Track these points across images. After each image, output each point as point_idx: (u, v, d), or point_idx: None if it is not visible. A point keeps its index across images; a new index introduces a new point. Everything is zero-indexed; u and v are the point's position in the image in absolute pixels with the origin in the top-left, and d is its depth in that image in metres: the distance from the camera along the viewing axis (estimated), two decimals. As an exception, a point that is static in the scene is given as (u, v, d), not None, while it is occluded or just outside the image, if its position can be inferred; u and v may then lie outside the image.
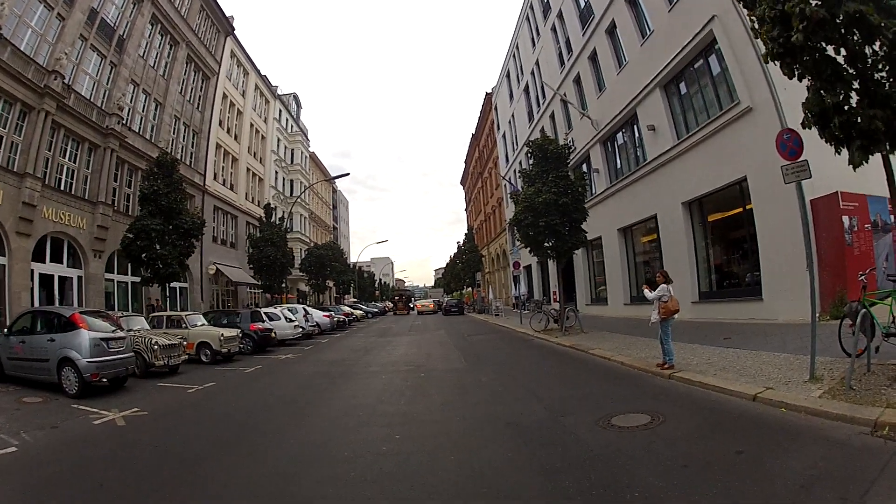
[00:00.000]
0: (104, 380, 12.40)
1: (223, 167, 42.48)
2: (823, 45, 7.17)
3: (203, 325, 20.00)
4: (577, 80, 30.90)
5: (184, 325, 19.19)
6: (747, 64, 16.30)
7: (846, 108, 7.29)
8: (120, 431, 9.05)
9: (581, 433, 7.14)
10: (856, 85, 7.19)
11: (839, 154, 7.79)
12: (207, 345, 18.59)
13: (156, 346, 15.04)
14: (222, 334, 18.71)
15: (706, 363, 10.92)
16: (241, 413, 10.43)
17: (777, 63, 7.69)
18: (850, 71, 7.19)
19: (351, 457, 6.82)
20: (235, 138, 45.14)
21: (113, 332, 13.13)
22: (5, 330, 14.34)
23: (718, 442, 6.38)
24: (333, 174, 71.94)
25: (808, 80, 7.61)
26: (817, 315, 8.86)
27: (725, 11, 16.96)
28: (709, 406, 8.07)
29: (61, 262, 23.76)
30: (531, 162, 22.31)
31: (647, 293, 11.25)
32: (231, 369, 16.99)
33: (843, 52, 7.18)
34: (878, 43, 6.91)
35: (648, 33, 22.42)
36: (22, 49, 21.05)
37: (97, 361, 12.04)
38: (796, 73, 7.59)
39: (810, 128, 7.80)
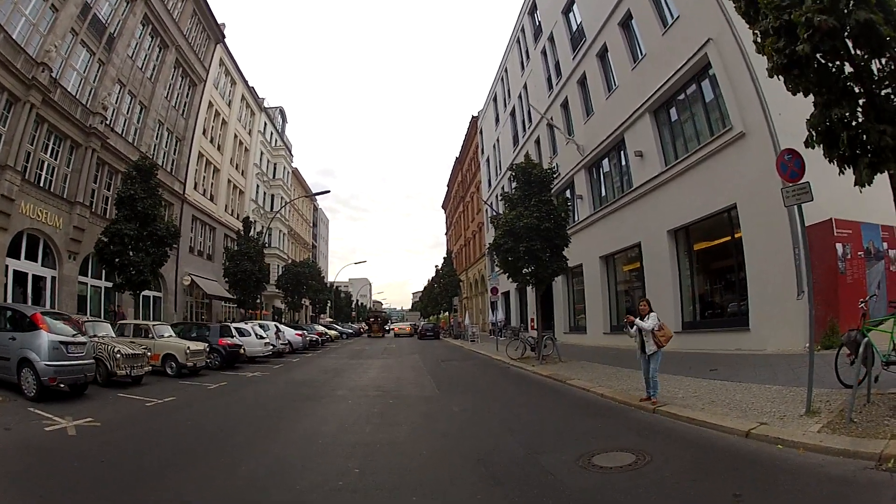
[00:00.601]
0: (62, 385, 11.97)
1: (204, 177, 41.88)
2: (830, 57, 6.89)
3: (170, 336, 19.37)
4: (565, 105, 30.77)
5: (150, 336, 18.57)
6: (741, 88, 16.14)
7: (853, 123, 6.98)
8: (69, 441, 8.71)
9: (559, 473, 6.55)
10: (862, 101, 6.91)
11: (843, 174, 7.47)
12: (173, 357, 17.99)
13: (118, 355, 14.49)
14: (188, 347, 18.11)
15: (693, 396, 10.48)
16: (195, 432, 9.92)
17: (781, 78, 7.35)
18: (857, 89, 6.91)
19: (303, 490, 6.28)
20: (219, 148, 44.64)
21: (73, 336, 12.68)
22: None
23: (712, 484, 5.89)
24: (315, 191, 71.37)
25: (814, 96, 7.30)
26: (807, 345, 8.56)
27: (721, 34, 16.83)
28: (698, 443, 7.60)
29: (36, 261, 23.18)
30: (514, 185, 22.05)
31: (642, 323, 10.42)
32: (195, 384, 16.44)
33: (847, 67, 6.92)
34: (885, 58, 6.67)
35: (640, 57, 22.25)
36: (14, 37, 20.62)
37: (55, 365, 11.63)
38: (801, 88, 7.27)
39: (814, 147, 7.47)
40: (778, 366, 12.34)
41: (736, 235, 16.98)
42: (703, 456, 6.88)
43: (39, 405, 10.97)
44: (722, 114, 17.43)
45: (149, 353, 16.30)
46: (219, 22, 41.64)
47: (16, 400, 11.37)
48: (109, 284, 24.37)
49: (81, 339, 12.86)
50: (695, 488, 5.77)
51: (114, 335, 16.96)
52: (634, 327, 10.55)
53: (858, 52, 6.75)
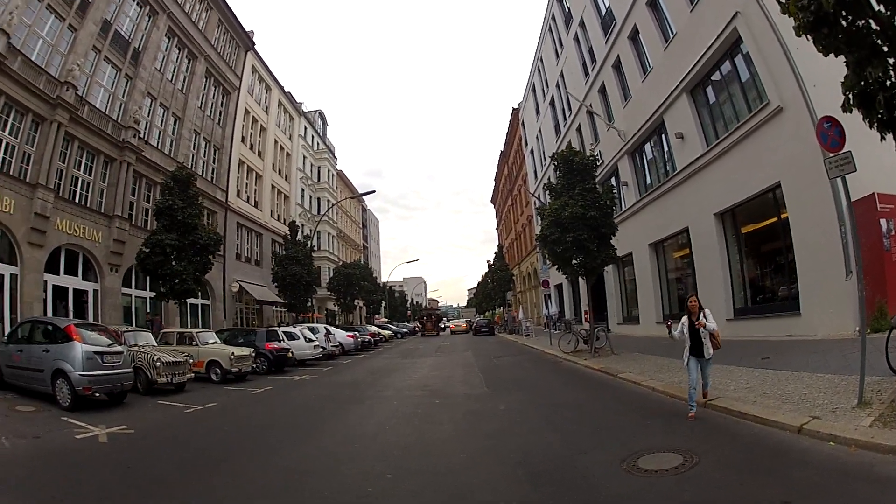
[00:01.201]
0: (97, 394, 12.18)
1: (246, 184, 42.10)
2: (855, 15, 6.32)
3: (215, 342, 19.44)
4: (602, 90, 30.23)
5: (194, 343, 18.63)
6: (774, 61, 15.45)
7: (888, 83, 6.39)
8: (99, 448, 8.73)
9: (600, 477, 6.16)
10: (892, 60, 6.33)
11: (884, 140, 6.88)
12: (217, 363, 18.07)
13: (159, 363, 14.63)
14: (233, 353, 18.16)
15: (745, 388, 9.94)
16: (231, 437, 9.86)
17: (810, 38, 6.76)
18: (885, 47, 6.33)
19: (328, 496, 6.07)
20: (259, 155, 44.81)
21: (109, 346, 12.82)
22: (5, 338, 14.30)
23: (761, 489, 5.35)
24: (363, 192, 71.48)
25: (844, 56, 6.72)
26: (858, 329, 7.91)
27: (747, 4, 16.19)
28: (749, 441, 7.10)
29: (76, 275, 23.44)
30: (557, 175, 21.50)
31: (712, 325, 8.96)
32: (239, 389, 16.43)
33: (873, 24, 6.34)
34: None
35: (671, 36, 21.61)
36: (33, 59, 20.85)
37: (90, 375, 11.79)
38: (831, 48, 6.67)
39: (851, 111, 6.86)
40: (829, 352, 11.69)
41: (782, 216, 16.25)
42: (753, 456, 6.36)
43: (74, 414, 11.01)
44: (759, 91, 16.72)
45: (191, 361, 16.31)
46: (247, 29, 41.74)
47: (50, 410, 11.44)
48: (153, 294, 24.59)
49: (118, 348, 13.00)
50: (742, 494, 5.30)
51: (155, 344, 17.04)
52: (680, 328, 9.27)
53: (882, 9, 6.22)
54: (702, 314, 9.01)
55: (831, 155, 8.00)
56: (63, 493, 6.20)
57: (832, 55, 6.75)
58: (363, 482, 6.46)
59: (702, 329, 8.90)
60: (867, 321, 11.97)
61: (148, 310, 28.01)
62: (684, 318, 9.17)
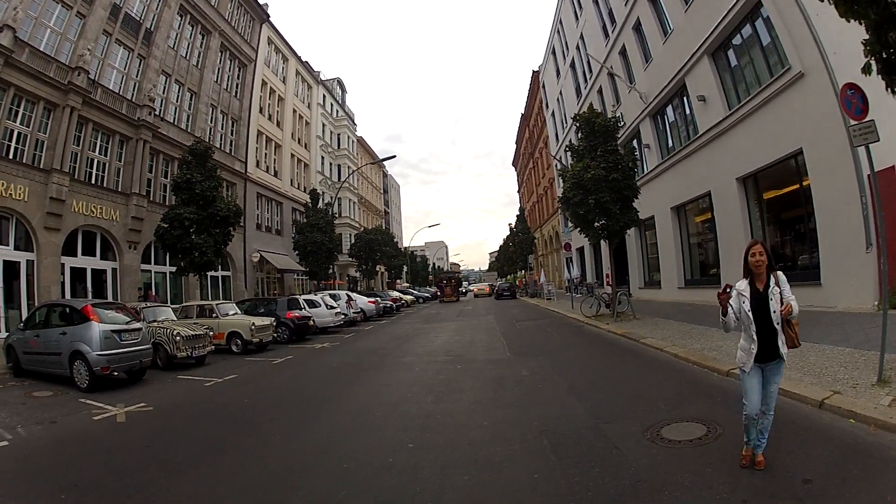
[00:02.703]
0: (115, 373, 12.19)
1: (266, 154, 42.21)
2: None
3: (235, 314, 19.53)
4: (623, 52, 29.71)
5: (214, 315, 18.71)
6: (795, 26, 15.08)
7: None
8: (117, 428, 8.73)
9: (625, 447, 6.05)
10: None
11: None
12: (238, 334, 18.18)
13: (178, 338, 14.67)
14: (253, 323, 18.23)
15: None
16: (250, 410, 9.83)
17: (832, 2, 6.39)
18: None
19: (351, 469, 6.03)
20: (278, 125, 44.85)
21: (127, 323, 12.77)
22: (20, 325, 14.33)
23: (783, 465, 5.19)
24: (383, 157, 71.14)
25: (864, 20, 6.36)
26: (877, 303, 7.67)
27: None
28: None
29: (94, 255, 23.74)
30: (579, 136, 21.20)
31: (791, 298, 5.11)
32: (260, 360, 16.49)
33: None
34: None
35: (691, -3, 21.09)
36: (42, 49, 21.13)
37: (107, 354, 11.78)
38: (851, 14, 6.33)
39: (869, 73, 6.52)
40: (849, 325, 11.47)
41: (804, 183, 15.93)
42: (776, 430, 6.09)
43: (92, 395, 11.10)
44: (780, 56, 16.29)
45: (211, 333, 16.31)
46: (261, 2, 41.51)
47: (68, 393, 11.48)
48: (174, 269, 24.71)
49: (136, 325, 12.99)
50: (764, 470, 5.10)
51: (174, 318, 17.07)
52: (738, 309, 5.20)
53: None
54: (772, 279, 5.14)
55: (854, 122, 7.75)
56: (83, 478, 6.17)
57: (853, 20, 6.43)
58: (385, 454, 6.44)
59: (775, 306, 5.07)
60: (888, 296, 11.81)
61: (167, 285, 28.26)
62: (741, 285, 5.25)
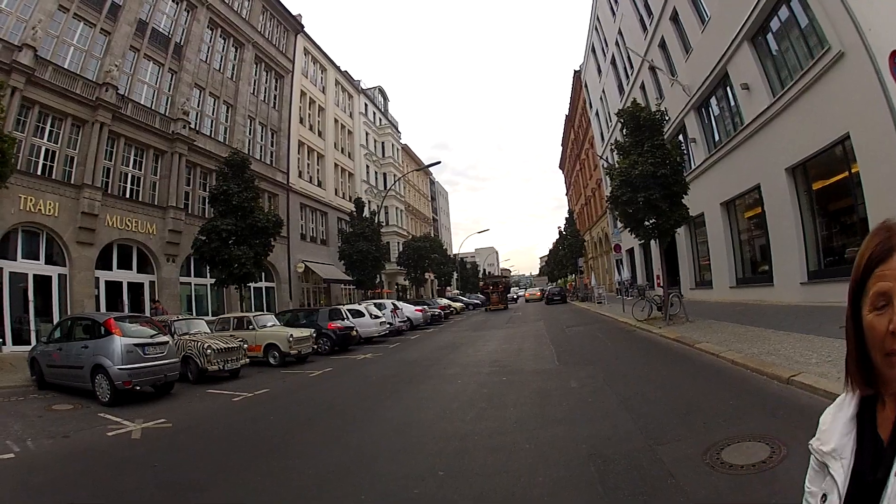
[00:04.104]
0: (138, 387, 11.97)
1: (308, 164, 42.33)
2: None
3: (273, 325, 19.21)
4: (663, 45, 28.96)
5: (251, 327, 18.39)
6: (830, 4, 14.31)
7: None
8: (129, 445, 8.52)
9: (682, 475, 5.26)
10: None
11: None
12: (275, 346, 17.85)
13: (209, 351, 14.37)
14: (291, 335, 17.87)
15: (827, 361, 8.82)
16: (273, 428, 9.37)
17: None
18: None
19: (367, 501, 5.49)
20: (319, 135, 45.01)
21: (152, 337, 12.57)
22: (44, 338, 14.41)
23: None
24: (428, 164, 70.91)
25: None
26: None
27: None
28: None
29: (130, 269, 23.96)
30: (624, 133, 20.45)
31: None
32: (297, 372, 16.18)
33: None
34: None
35: (725, -20, 20.42)
36: (66, 66, 21.44)
37: (129, 368, 11.58)
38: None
39: None
40: None
41: (853, 170, 15.04)
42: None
43: (112, 410, 10.89)
44: (819, 37, 15.55)
45: (245, 346, 15.98)
46: (295, 13, 41.74)
47: (89, 406, 11.30)
48: (213, 281, 24.70)
49: (162, 339, 12.77)
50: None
51: (208, 331, 16.81)
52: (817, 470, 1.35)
53: None
54: None
55: None
56: (77, 498, 5.96)
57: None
58: (411, 483, 5.82)
59: None
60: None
61: (208, 298, 28.14)
62: (832, 421, 1.34)
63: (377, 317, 25.41)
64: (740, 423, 6.69)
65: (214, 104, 31.04)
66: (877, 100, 12.57)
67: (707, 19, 22.94)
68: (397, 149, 64.94)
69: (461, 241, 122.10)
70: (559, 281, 75.03)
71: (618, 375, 11.38)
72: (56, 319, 19.23)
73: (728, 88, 22.41)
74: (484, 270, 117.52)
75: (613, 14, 37.99)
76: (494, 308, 52.08)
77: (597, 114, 51.01)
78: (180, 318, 17.84)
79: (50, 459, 7.63)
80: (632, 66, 35.88)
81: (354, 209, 38.83)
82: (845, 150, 15.21)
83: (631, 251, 43.60)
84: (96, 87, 21.94)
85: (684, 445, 6.17)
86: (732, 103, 22.40)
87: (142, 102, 25.13)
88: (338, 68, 50.46)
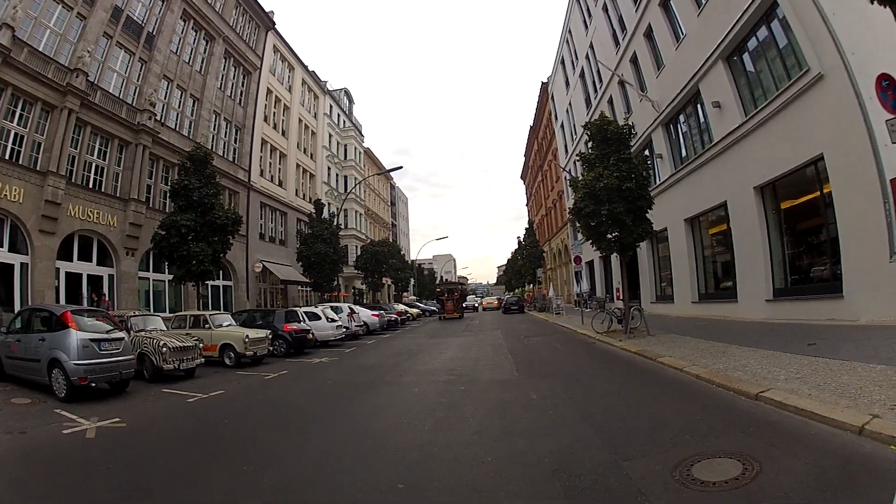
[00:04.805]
0: (94, 384, 11.66)
1: (270, 163, 42.09)
2: None
3: (229, 325, 18.93)
4: (634, 60, 29.19)
5: (207, 325, 18.09)
6: (812, 25, 14.53)
7: None
8: (83, 445, 8.32)
9: (651, 492, 5.16)
10: None
11: None
12: (231, 347, 17.51)
13: (164, 349, 14.05)
14: (247, 336, 17.56)
15: (796, 378, 8.92)
16: (226, 433, 9.09)
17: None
18: None
19: None
20: (283, 134, 44.77)
21: (108, 332, 12.22)
22: (4, 328, 14.05)
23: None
24: (390, 168, 70.84)
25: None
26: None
27: None
28: (810, 444, 6.14)
29: (90, 261, 23.47)
30: (590, 145, 20.48)
31: None
32: (252, 374, 15.83)
33: None
34: None
35: (704, 1, 20.56)
36: (41, 49, 21.09)
37: (85, 364, 11.30)
38: None
39: None
40: (876, 340, 10.74)
41: (825, 190, 15.29)
42: (816, 463, 5.42)
43: (69, 406, 10.69)
44: (797, 58, 15.76)
45: (201, 345, 15.67)
46: (266, 10, 41.50)
47: (46, 402, 11.10)
48: (171, 277, 24.28)
49: (118, 335, 12.43)
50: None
51: (164, 328, 16.51)
52: None
53: None
54: None
55: (891, 116, 7.26)
56: (23, 499, 5.91)
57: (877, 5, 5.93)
58: (368, 497, 5.63)
59: None
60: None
61: (165, 294, 27.76)
62: None
63: (333, 320, 25.14)
64: (710, 440, 6.66)
65: (181, 97, 30.67)
66: (855, 122, 12.78)
67: (682, 36, 23.15)
68: (360, 152, 64.87)
69: (419, 247, 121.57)
70: (517, 290, 75.46)
71: (579, 388, 11.34)
72: (17, 310, 18.92)
73: (699, 106, 22.59)
74: (441, 277, 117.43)
75: (586, 27, 38.25)
76: (449, 316, 48.82)
77: (562, 126, 51.34)
78: (137, 314, 17.50)
79: (12, 457, 7.57)
80: (601, 80, 36.15)
81: (314, 210, 38.78)
82: (818, 171, 15.42)
83: (591, 263, 43.81)
84: (67, 73, 21.59)
85: (652, 461, 6.05)
86: (702, 120, 22.61)
87: (110, 91, 24.75)
88: (305, 68, 50.20)
